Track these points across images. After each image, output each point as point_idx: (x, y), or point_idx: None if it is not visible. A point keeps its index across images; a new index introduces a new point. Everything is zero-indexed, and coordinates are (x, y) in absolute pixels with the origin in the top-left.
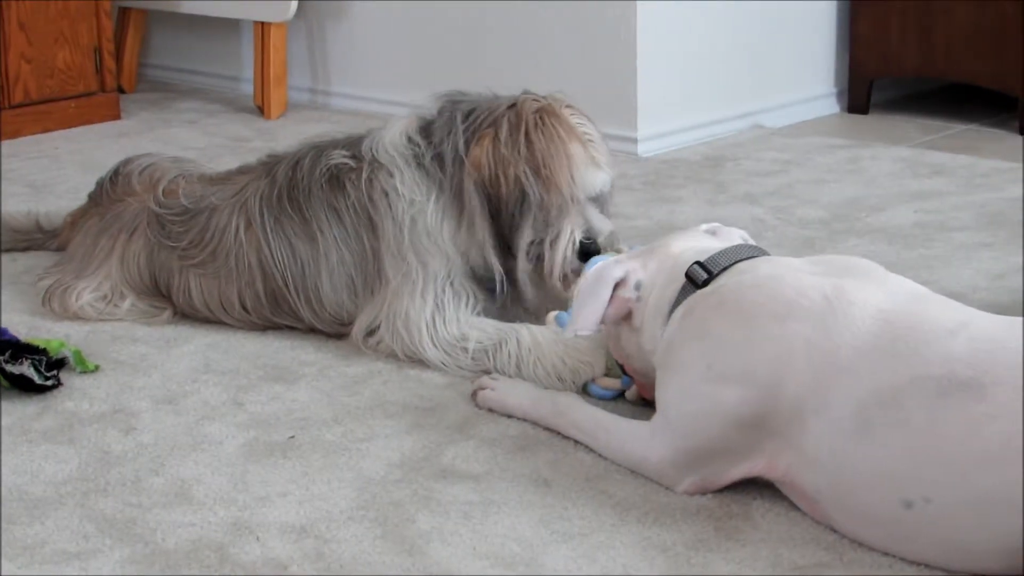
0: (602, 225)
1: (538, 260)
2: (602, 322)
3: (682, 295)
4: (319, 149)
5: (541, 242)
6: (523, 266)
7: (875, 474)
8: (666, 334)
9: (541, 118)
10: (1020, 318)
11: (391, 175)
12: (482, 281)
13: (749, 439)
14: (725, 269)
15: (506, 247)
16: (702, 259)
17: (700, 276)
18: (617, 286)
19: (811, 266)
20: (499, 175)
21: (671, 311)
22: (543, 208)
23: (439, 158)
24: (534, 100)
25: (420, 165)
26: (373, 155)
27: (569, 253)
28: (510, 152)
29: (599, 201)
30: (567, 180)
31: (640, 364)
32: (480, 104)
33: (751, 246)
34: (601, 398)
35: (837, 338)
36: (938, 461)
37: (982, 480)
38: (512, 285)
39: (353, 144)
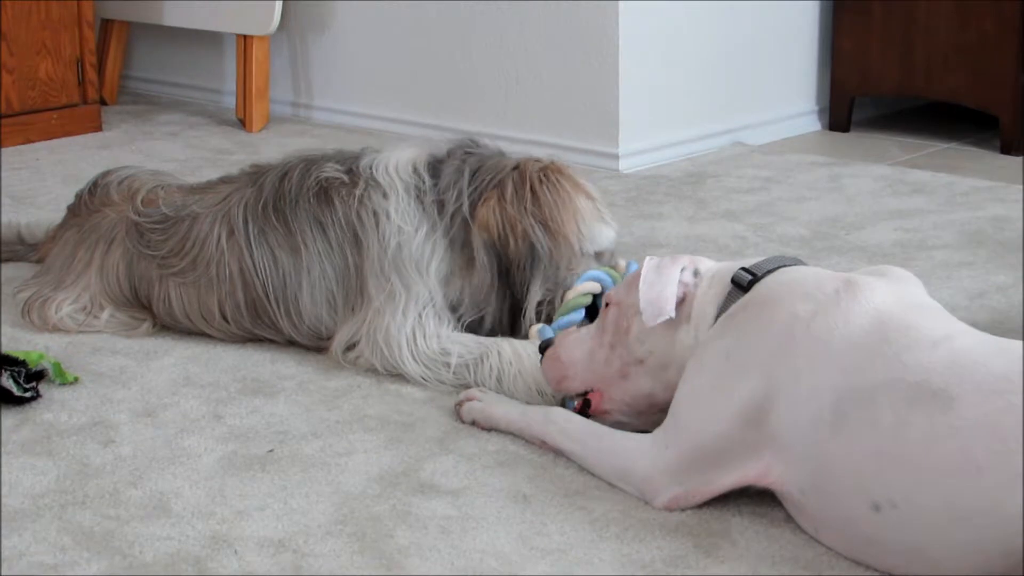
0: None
1: (549, 317)
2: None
3: (728, 300)
4: (309, 161)
5: (551, 301)
6: (531, 316)
7: (848, 471)
8: (705, 336)
9: (545, 175)
10: (1006, 339)
11: (386, 197)
12: (460, 317)
13: (750, 439)
14: (769, 273)
15: (514, 306)
16: (747, 265)
17: (745, 279)
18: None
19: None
20: (507, 234)
21: (717, 316)
22: (552, 262)
23: (440, 204)
24: (536, 161)
25: (419, 199)
26: (371, 173)
27: None
28: (516, 209)
29: (600, 258)
30: (575, 232)
31: (654, 368)
32: (487, 161)
33: (794, 257)
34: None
35: (833, 327)
36: (902, 466)
37: (941, 491)
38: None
39: (348, 159)
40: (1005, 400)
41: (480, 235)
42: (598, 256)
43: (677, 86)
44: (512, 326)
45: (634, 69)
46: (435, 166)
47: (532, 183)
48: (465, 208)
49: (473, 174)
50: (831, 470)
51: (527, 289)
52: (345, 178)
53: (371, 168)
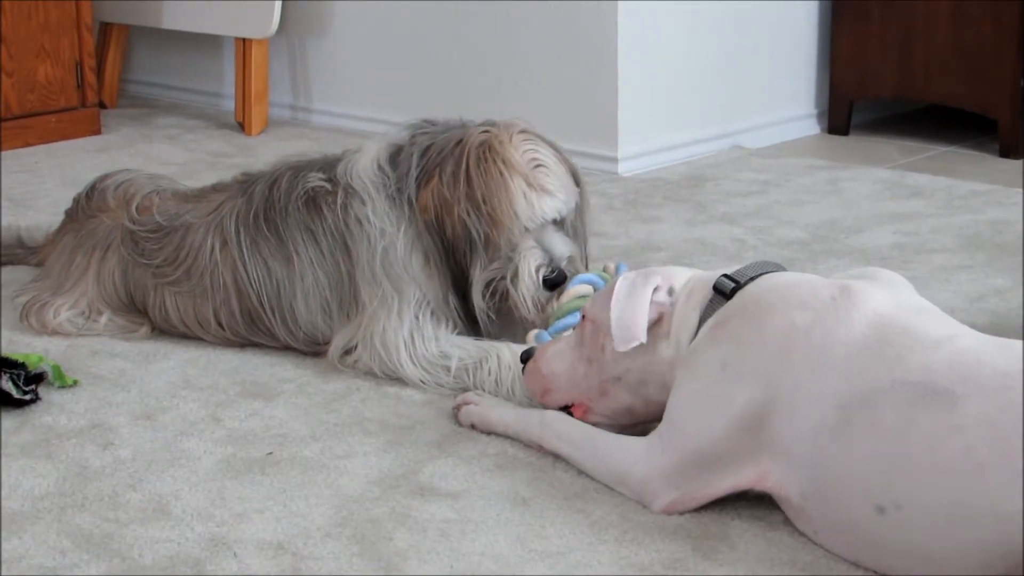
0: (562, 250)
1: (502, 297)
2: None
3: (710, 307)
4: (296, 170)
5: (503, 279)
6: (479, 304)
7: (851, 475)
8: (693, 344)
9: (483, 153)
10: (1007, 340)
11: (363, 203)
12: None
13: (748, 445)
14: (752, 280)
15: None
16: (728, 272)
17: (727, 286)
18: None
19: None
20: (444, 217)
21: (699, 323)
22: (491, 244)
23: (400, 193)
24: (482, 132)
25: (389, 196)
26: (347, 180)
27: (531, 288)
28: (451, 193)
29: (561, 224)
30: (509, 214)
31: (632, 384)
32: (437, 139)
33: (775, 263)
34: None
35: (832, 335)
36: (907, 467)
37: (945, 490)
38: (472, 321)
39: (329, 166)
40: (1008, 398)
41: (422, 217)
42: (557, 223)
43: (676, 89)
44: (464, 306)
45: (633, 72)
46: (394, 158)
47: (468, 163)
48: (412, 191)
49: (422, 155)
50: (834, 474)
51: (469, 271)
52: (328, 186)
53: (346, 175)
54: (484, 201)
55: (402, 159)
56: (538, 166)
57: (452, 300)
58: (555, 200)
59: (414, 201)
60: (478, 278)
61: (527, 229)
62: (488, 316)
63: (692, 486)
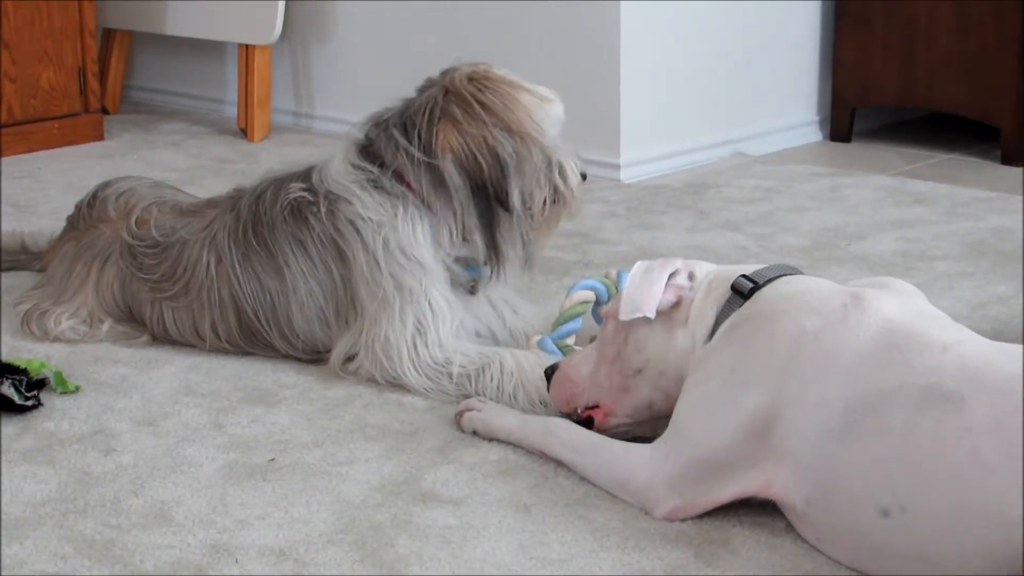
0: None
1: (549, 204)
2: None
3: (728, 306)
4: (278, 182)
5: (549, 185)
6: (527, 223)
7: (856, 479)
8: (707, 345)
9: (480, 85)
10: (1015, 345)
11: (350, 203)
12: (457, 279)
13: (754, 451)
14: (769, 281)
15: (497, 220)
16: (748, 272)
17: (745, 286)
18: (670, 276)
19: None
20: (474, 152)
21: (716, 322)
22: (523, 161)
23: (398, 174)
24: (459, 72)
25: (377, 187)
26: (326, 187)
27: (578, 182)
28: (477, 127)
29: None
30: (534, 126)
31: (652, 376)
32: (406, 108)
33: (793, 266)
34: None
35: (842, 340)
36: (912, 469)
37: (950, 493)
38: (499, 262)
39: (305, 177)
40: (1015, 401)
41: (446, 157)
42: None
43: (679, 96)
44: (493, 240)
45: (636, 79)
46: (368, 151)
47: (475, 95)
48: (417, 154)
49: (404, 129)
50: (838, 479)
51: (509, 195)
52: (310, 196)
53: (323, 182)
54: (511, 121)
55: (382, 148)
56: (524, 83)
57: (479, 238)
58: (560, 106)
59: (425, 158)
60: (518, 200)
61: (551, 137)
62: (526, 236)
63: (695, 493)
